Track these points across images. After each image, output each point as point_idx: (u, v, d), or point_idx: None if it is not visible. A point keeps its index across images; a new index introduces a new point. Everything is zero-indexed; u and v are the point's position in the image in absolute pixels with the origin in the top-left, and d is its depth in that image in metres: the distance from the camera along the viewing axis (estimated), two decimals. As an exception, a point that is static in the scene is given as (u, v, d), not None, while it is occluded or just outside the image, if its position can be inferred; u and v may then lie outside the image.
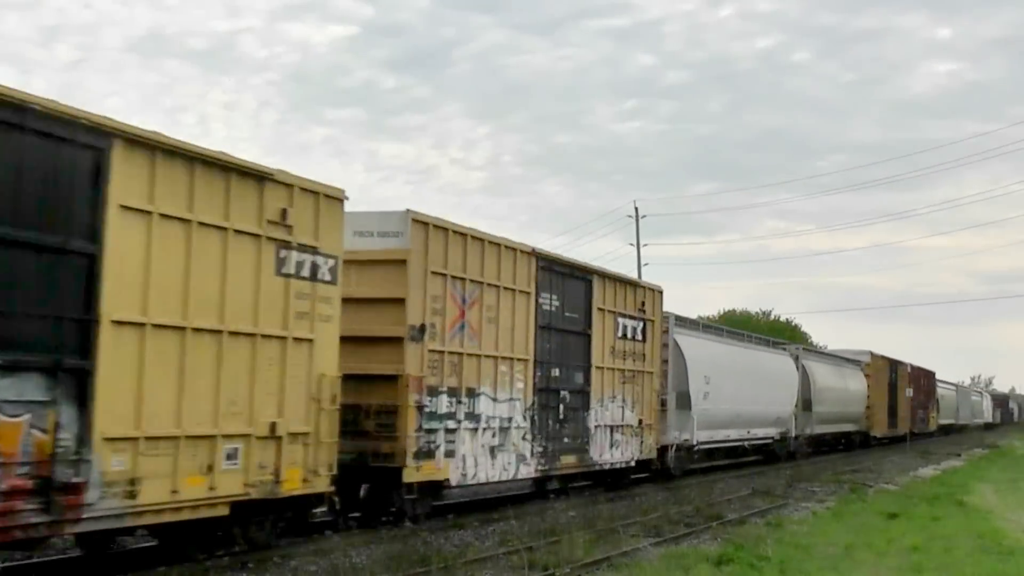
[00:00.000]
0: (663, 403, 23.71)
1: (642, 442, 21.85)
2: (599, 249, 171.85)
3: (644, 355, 22.03)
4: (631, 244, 54.16)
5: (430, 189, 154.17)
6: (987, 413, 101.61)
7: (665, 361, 24.03)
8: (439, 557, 11.73)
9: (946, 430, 72.08)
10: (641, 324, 21.93)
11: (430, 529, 14.40)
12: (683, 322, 25.81)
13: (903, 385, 53.74)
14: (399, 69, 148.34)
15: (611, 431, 20.45)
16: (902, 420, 52.96)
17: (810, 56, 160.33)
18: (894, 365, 51.29)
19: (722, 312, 74.49)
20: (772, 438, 32.33)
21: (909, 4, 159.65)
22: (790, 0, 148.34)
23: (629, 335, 21.32)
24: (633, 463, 21.53)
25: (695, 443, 24.96)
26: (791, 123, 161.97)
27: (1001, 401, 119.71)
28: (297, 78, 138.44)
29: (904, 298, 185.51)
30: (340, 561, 11.69)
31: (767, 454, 32.92)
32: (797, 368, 34.73)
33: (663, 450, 23.58)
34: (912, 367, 56.87)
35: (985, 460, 39.78)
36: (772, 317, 75.36)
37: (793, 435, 33.84)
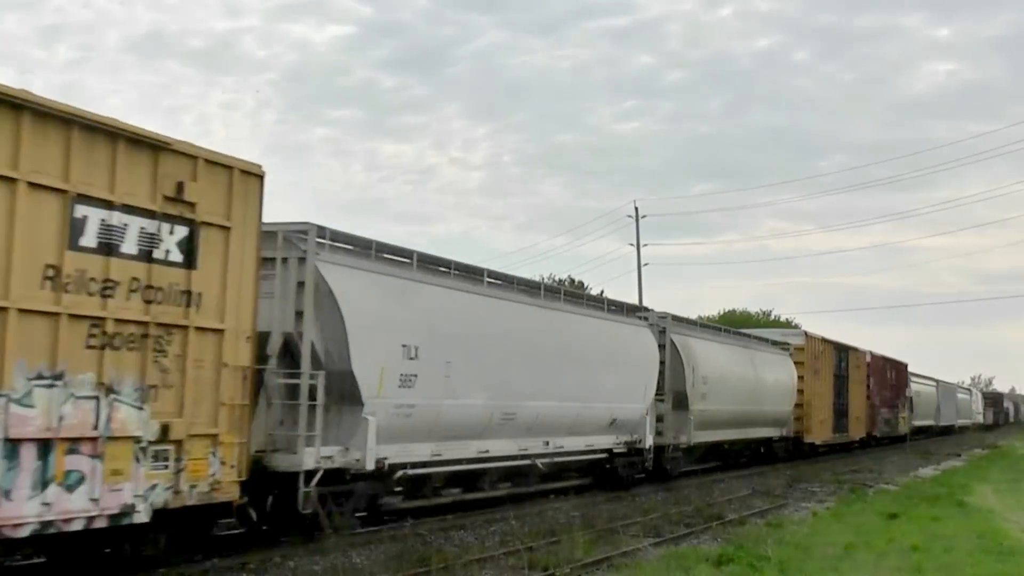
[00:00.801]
0: (291, 393, 12.63)
1: (180, 472, 10.66)
2: (599, 249, 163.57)
3: (192, 294, 10.83)
4: (631, 244, 52.66)
5: (429, 189, 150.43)
6: (978, 413, 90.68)
7: (300, 313, 12.89)
8: (439, 557, 11.53)
9: (924, 433, 60.86)
10: (185, 231, 10.72)
11: (430, 529, 14.24)
12: (346, 244, 14.15)
13: (858, 377, 42.48)
14: (399, 69, 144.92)
15: (48, 454, 9.29)
16: (855, 422, 41.58)
17: (810, 56, 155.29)
18: (843, 351, 39.87)
19: (722, 312, 71.56)
20: (608, 452, 21.11)
21: (909, 4, 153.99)
22: (790, 0, 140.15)
23: (128, 249, 10.11)
24: (144, 516, 10.27)
25: (373, 466, 13.69)
26: (791, 123, 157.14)
27: (995, 400, 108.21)
28: (296, 78, 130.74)
29: (904, 298, 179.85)
30: (340, 561, 11.51)
31: (601, 476, 21.67)
32: (663, 346, 23.51)
33: (282, 483, 12.43)
34: (872, 355, 45.47)
35: (985, 460, 39.24)
36: (772, 317, 72.97)
37: (649, 445, 22.57)
